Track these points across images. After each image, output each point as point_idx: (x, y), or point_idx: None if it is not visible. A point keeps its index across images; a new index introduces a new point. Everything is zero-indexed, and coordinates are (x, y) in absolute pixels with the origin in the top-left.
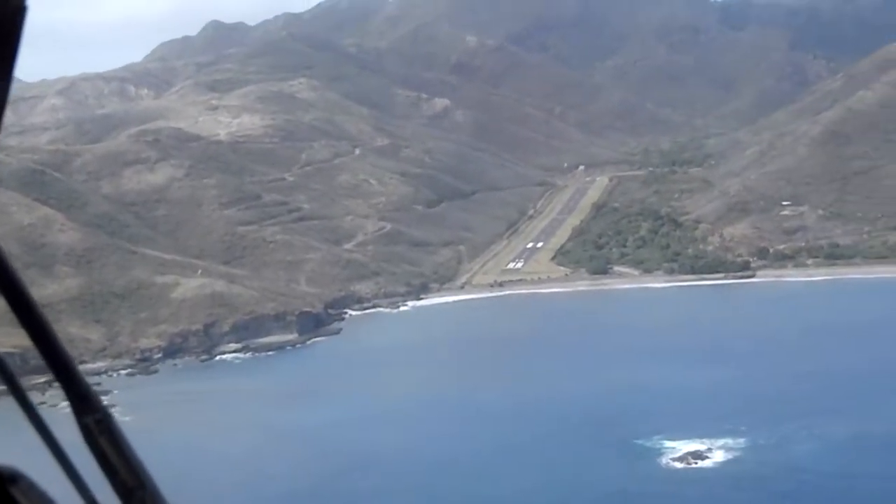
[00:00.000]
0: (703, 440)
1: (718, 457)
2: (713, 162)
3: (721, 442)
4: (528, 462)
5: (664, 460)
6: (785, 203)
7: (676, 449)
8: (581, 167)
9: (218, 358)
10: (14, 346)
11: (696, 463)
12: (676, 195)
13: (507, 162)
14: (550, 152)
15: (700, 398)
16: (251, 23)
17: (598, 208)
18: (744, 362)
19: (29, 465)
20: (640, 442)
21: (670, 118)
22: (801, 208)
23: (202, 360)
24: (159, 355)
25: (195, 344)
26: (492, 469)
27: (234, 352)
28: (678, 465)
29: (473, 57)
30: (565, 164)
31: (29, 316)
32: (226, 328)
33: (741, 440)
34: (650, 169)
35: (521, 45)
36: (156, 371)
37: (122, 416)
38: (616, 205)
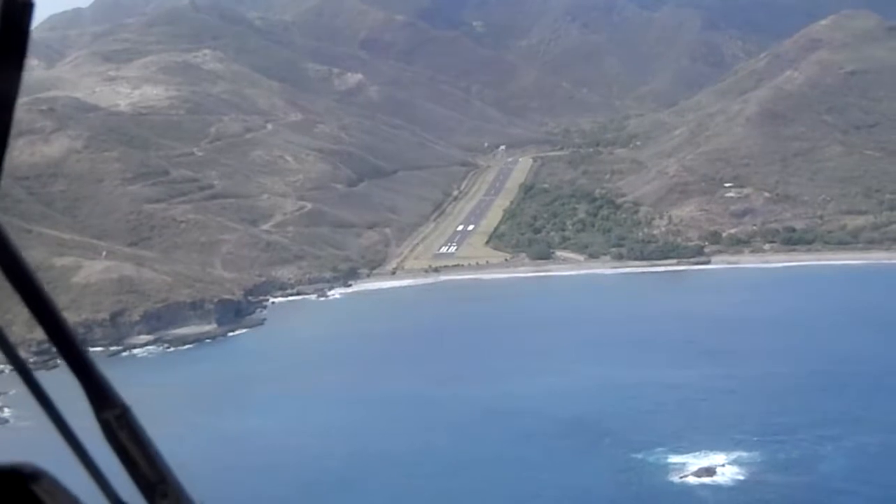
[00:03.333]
0: (711, 453)
1: (733, 473)
2: (638, 143)
3: (734, 455)
4: (521, 486)
5: (675, 478)
6: (727, 184)
7: (686, 465)
8: (502, 147)
9: (128, 353)
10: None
11: (710, 479)
12: (607, 176)
13: (426, 141)
14: (469, 131)
15: (687, 401)
16: None
17: (527, 189)
18: (724, 359)
19: (49, 461)
20: (639, 457)
21: (587, 98)
22: (746, 190)
23: (110, 355)
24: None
25: (101, 335)
26: (475, 495)
27: (147, 344)
28: (692, 480)
29: (383, 32)
30: (486, 144)
31: (44, 312)
32: (136, 317)
33: (755, 453)
34: (573, 149)
35: (431, 22)
36: (56, 366)
37: (18, 422)
38: (545, 186)
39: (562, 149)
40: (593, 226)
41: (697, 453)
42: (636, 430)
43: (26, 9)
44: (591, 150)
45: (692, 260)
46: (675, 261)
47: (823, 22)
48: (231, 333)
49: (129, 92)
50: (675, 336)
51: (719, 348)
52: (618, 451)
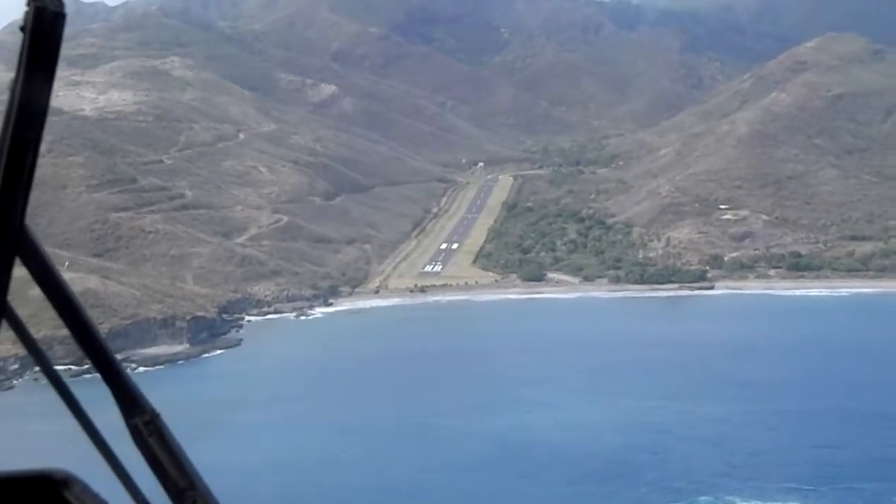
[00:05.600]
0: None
1: None
2: (621, 162)
3: None
4: None
5: None
6: (723, 206)
7: None
8: (480, 164)
9: (91, 374)
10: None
11: None
12: (593, 196)
13: (403, 155)
14: (446, 147)
15: (720, 438)
16: (111, 3)
17: (510, 208)
18: (752, 392)
19: (79, 467)
20: None
21: (565, 117)
22: (742, 212)
23: (72, 375)
24: (16, 366)
25: (62, 353)
26: None
27: None
28: None
29: (356, 45)
30: (463, 160)
31: (74, 318)
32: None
33: None
34: (554, 168)
35: (404, 37)
36: (11, 387)
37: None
38: (529, 204)
39: (541, 167)
40: (585, 246)
41: None
42: (672, 472)
43: (57, 19)
44: (573, 169)
45: (695, 285)
46: (676, 285)
47: (809, 44)
48: (205, 355)
49: (94, 97)
50: (692, 365)
51: (744, 379)
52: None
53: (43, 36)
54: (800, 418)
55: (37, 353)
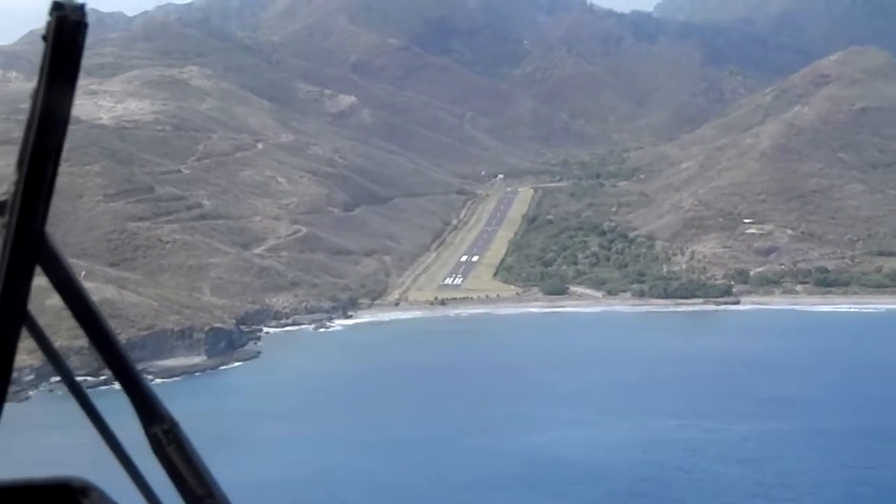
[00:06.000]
0: None
1: None
2: (642, 175)
3: None
4: None
5: None
6: (747, 220)
7: None
8: (500, 176)
9: (107, 386)
10: None
11: None
12: (614, 209)
13: (421, 167)
14: (465, 159)
15: (757, 460)
16: (130, 13)
17: (530, 221)
18: (788, 410)
19: (96, 478)
20: None
21: (585, 130)
22: (767, 227)
23: (88, 387)
24: (31, 377)
25: (78, 364)
26: None
27: None
28: None
29: (375, 56)
30: (482, 172)
31: (94, 326)
32: None
33: None
34: (574, 181)
35: (423, 48)
36: (27, 398)
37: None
38: (550, 217)
39: (561, 180)
40: (608, 260)
41: None
42: (703, 492)
43: (79, 28)
44: (593, 182)
45: (720, 300)
46: (701, 300)
47: (832, 57)
48: (223, 367)
49: (112, 106)
50: (722, 382)
51: (774, 396)
52: None
53: (65, 45)
54: (831, 437)
55: (57, 362)
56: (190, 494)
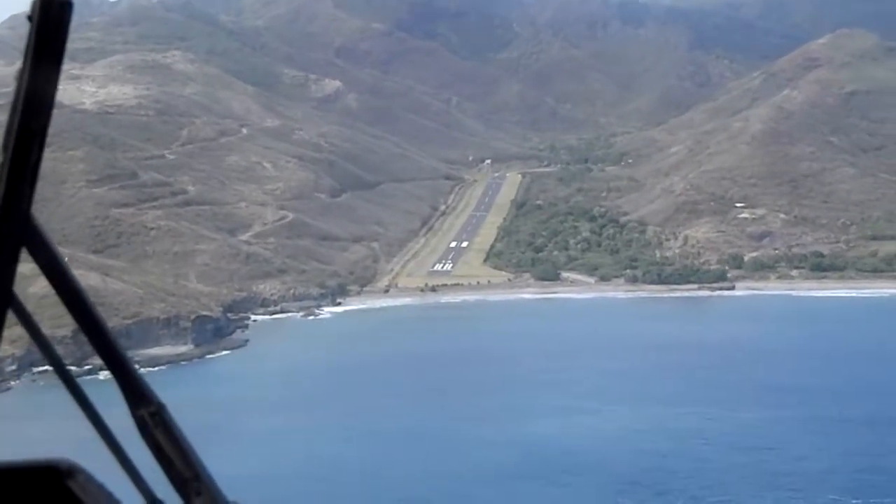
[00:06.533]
0: None
1: None
2: (630, 160)
3: None
4: None
5: None
6: (739, 205)
7: None
8: (487, 161)
9: (91, 376)
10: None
11: None
12: (604, 194)
13: (408, 152)
14: (452, 144)
15: (763, 450)
16: None
17: (519, 206)
18: (789, 398)
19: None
20: None
21: (572, 114)
22: (759, 211)
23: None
24: (13, 367)
25: (63, 353)
26: None
27: None
28: None
29: (360, 40)
30: (470, 158)
31: (81, 309)
32: None
33: None
34: (562, 165)
35: (408, 32)
36: (8, 388)
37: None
38: (539, 202)
39: (549, 165)
40: (599, 245)
41: None
42: (713, 483)
43: (64, 8)
44: (581, 166)
45: (715, 285)
46: (696, 285)
47: (821, 41)
48: (210, 356)
49: (94, 90)
50: (721, 369)
51: (774, 383)
52: None
53: (50, 25)
54: (837, 425)
55: (44, 345)
56: (176, 476)
